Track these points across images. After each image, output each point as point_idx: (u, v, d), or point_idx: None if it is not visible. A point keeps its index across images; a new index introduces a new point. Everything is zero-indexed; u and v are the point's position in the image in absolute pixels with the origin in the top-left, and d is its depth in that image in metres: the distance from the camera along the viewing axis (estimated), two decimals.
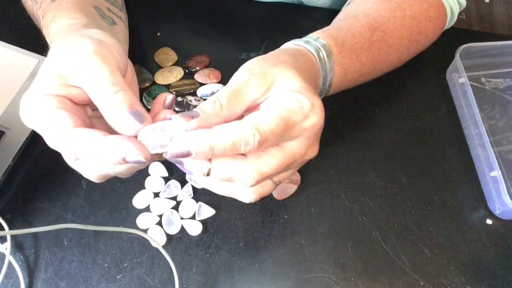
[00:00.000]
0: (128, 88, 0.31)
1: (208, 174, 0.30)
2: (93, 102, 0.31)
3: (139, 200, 0.47)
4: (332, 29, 0.42)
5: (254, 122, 0.29)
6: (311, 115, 0.31)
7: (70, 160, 0.33)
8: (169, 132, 0.30)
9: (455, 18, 0.52)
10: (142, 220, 0.46)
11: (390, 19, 0.45)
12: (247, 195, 0.32)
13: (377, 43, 0.44)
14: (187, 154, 0.29)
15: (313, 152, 0.34)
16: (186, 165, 0.30)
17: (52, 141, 0.31)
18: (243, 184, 0.30)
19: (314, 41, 0.39)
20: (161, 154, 0.31)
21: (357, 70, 0.43)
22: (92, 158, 0.29)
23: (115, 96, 0.30)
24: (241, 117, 0.31)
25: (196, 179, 0.33)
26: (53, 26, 0.38)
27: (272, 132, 0.29)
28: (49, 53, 0.33)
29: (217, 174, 0.30)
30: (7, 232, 0.44)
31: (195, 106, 0.53)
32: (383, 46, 0.44)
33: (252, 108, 0.32)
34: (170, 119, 0.31)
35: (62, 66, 0.31)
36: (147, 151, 0.29)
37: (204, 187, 0.34)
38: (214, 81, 0.55)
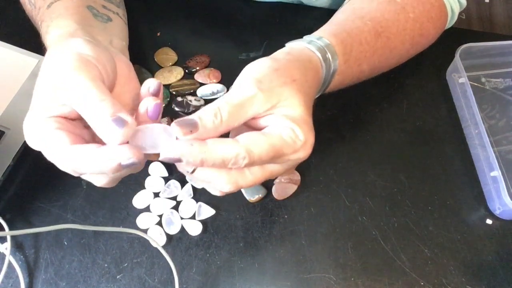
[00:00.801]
0: (109, 96, 0.30)
1: (192, 172, 0.31)
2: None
3: (139, 200, 0.47)
4: (343, 33, 0.41)
5: (248, 146, 0.30)
6: (300, 151, 0.32)
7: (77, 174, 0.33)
8: (162, 135, 0.31)
9: (456, 18, 0.52)
10: (142, 220, 0.46)
11: (394, 23, 0.44)
12: (223, 184, 0.33)
13: (380, 50, 0.44)
14: (178, 160, 0.30)
15: (291, 172, 0.35)
16: (185, 160, 0.30)
17: (56, 161, 0.32)
18: (218, 188, 0.33)
19: (326, 48, 0.38)
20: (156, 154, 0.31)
21: (355, 78, 0.43)
22: (91, 171, 0.30)
23: (96, 108, 0.30)
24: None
25: (179, 168, 0.33)
26: (47, 38, 0.39)
27: (261, 158, 0.30)
28: (41, 69, 0.33)
29: (200, 176, 0.32)
30: (7, 232, 0.44)
31: (195, 106, 0.53)
32: (385, 52, 0.44)
33: (248, 123, 0.33)
34: (153, 106, 0.31)
35: (51, 86, 0.32)
36: (139, 153, 0.29)
37: (183, 173, 0.34)
38: (214, 81, 0.55)
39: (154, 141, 0.31)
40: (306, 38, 0.40)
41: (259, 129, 0.33)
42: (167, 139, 0.31)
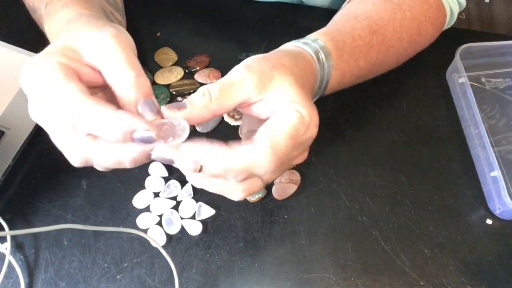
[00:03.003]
0: (145, 75, 0.30)
1: (200, 170, 0.30)
2: (94, 87, 0.31)
3: (139, 200, 0.47)
4: (334, 31, 0.42)
5: (270, 149, 0.30)
6: (311, 126, 0.32)
7: (72, 149, 0.32)
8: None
9: (455, 18, 0.52)
10: (142, 220, 0.46)
11: (390, 21, 0.45)
12: (236, 193, 0.33)
13: (376, 47, 0.44)
14: (171, 162, 0.30)
15: (303, 157, 0.34)
16: (177, 163, 0.30)
17: (56, 112, 0.29)
18: (233, 179, 0.31)
19: (314, 43, 0.39)
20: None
21: (354, 74, 0.43)
22: (100, 130, 0.28)
23: (132, 81, 0.29)
24: (234, 111, 0.32)
25: (186, 174, 0.33)
26: (65, 11, 0.37)
27: (285, 154, 0.30)
28: (65, 31, 0.32)
29: (209, 171, 0.30)
30: (7, 232, 0.44)
31: None
32: (382, 49, 0.44)
33: (244, 106, 0.33)
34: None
35: (79, 42, 0.31)
36: (155, 128, 0.29)
37: (193, 183, 0.34)
38: (214, 81, 0.54)
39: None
40: (294, 41, 0.40)
41: (259, 117, 0.33)
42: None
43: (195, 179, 0.34)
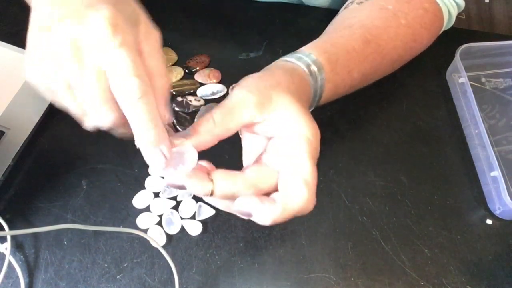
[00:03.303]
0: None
1: (211, 194, 0.31)
2: None
3: (139, 200, 0.47)
4: (326, 44, 0.42)
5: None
6: (318, 145, 0.33)
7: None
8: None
9: (453, 19, 0.52)
10: (142, 220, 0.46)
11: (385, 29, 0.45)
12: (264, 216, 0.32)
13: (371, 56, 0.44)
14: (182, 188, 0.30)
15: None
16: (188, 189, 0.31)
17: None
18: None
19: (307, 58, 0.39)
20: None
21: (348, 85, 0.43)
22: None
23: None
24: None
25: (205, 199, 0.34)
26: None
27: (312, 177, 0.32)
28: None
29: (220, 192, 0.31)
30: (7, 232, 0.44)
31: (195, 106, 0.53)
32: (376, 58, 0.44)
33: (248, 127, 0.33)
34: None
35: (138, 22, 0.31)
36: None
37: (218, 207, 0.34)
38: (214, 81, 0.55)
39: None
40: (287, 56, 0.40)
41: (264, 136, 0.34)
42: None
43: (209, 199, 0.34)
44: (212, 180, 0.30)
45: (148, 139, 0.28)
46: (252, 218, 0.30)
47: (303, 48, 0.41)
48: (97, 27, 0.27)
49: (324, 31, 0.47)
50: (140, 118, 0.28)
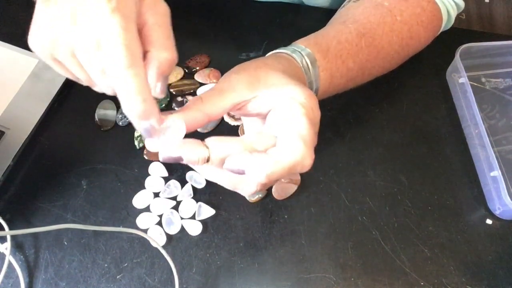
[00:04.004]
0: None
1: (208, 160, 0.30)
2: None
3: (139, 200, 0.47)
4: (318, 36, 0.43)
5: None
6: (315, 106, 0.33)
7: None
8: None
9: (453, 20, 0.52)
10: (142, 220, 0.46)
11: (380, 25, 0.45)
12: (250, 186, 0.33)
13: (366, 49, 0.44)
14: (180, 160, 0.30)
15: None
16: (185, 160, 0.31)
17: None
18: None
19: (297, 49, 0.40)
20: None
21: (344, 75, 0.43)
22: (119, 88, 0.28)
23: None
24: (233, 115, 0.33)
25: (199, 169, 0.34)
26: None
27: (311, 139, 0.31)
28: None
29: (216, 156, 0.30)
30: (7, 232, 0.44)
31: None
32: (372, 51, 0.44)
33: (240, 107, 0.33)
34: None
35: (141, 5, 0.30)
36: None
37: (205, 175, 0.34)
38: (214, 81, 0.55)
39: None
40: (278, 49, 0.41)
41: (259, 115, 0.34)
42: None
43: (206, 171, 0.34)
44: (207, 147, 0.30)
45: (136, 112, 0.28)
46: (246, 175, 0.30)
47: (294, 42, 0.42)
48: None
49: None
50: (126, 90, 0.27)
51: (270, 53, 0.41)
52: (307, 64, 0.39)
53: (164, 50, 0.30)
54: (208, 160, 0.30)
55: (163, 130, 0.30)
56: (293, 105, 0.32)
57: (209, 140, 0.31)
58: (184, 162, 0.31)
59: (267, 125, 0.33)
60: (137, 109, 0.28)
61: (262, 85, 0.33)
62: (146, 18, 0.30)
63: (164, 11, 0.31)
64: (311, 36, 0.43)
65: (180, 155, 0.30)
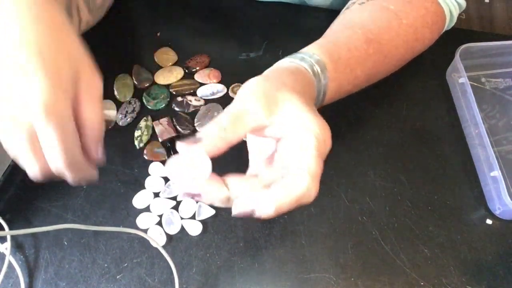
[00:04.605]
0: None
1: (228, 201, 0.31)
2: None
3: (139, 200, 0.47)
4: (328, 44, 0.42)
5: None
6: (327, 140, 0.33)
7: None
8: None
9: (455, 19, 0.52)
10: (142, 220, 0.46)
11: (386, 29, 0.45)
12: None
13: (373, 56, 0.44)
14: (199, 197, 0.31)
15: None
16: (204, 200, 0.32)
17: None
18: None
19: (310, 58, 0.39)
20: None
21: (351, 83, 0.43)
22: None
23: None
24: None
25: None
26: None
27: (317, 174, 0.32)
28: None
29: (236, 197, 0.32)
30: (7, 232, 0.44)
31: (195, 106, 0.53)
32: (379, 57, 0.44)
33: (257, 131, 0.33)
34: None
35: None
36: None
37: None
38: (214, 81, 0.55)
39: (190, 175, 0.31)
40: (287, 57, 0.40)
41: (273, 137, 0.34)
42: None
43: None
44: (227, 185, 0.31)
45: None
46: (256, 212, 0.31)
47: (306, 49, 0.41)
48: (31, 101, 0.30)
49: (326, 32, 0.47)
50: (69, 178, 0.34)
51: (283, 63, 0.39)
52: (319, 75, 0.39)
53: (96, 125, 0.34)
54: (228, 201, 0.31)
55: (189, 166, 0.30)
56: (307, 137, 0.32)
57: (229, 180, 0.31)
58: (202, 201, 0.31)
59: (278, 152, 0.33)
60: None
61: (279, 111, 0.33)
62: (82, 96, 0.33)
63: (96, 86, 0.34)
64: (322, 43, 0.42)
65: (201, 193, 0.31)
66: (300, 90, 0.35)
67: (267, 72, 0.37)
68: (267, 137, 0.34)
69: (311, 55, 0.39)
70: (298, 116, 0.32)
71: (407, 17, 0.46)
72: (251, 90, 0.33)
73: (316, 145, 0.32)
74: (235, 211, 0.31)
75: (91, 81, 0.34)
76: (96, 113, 0.34)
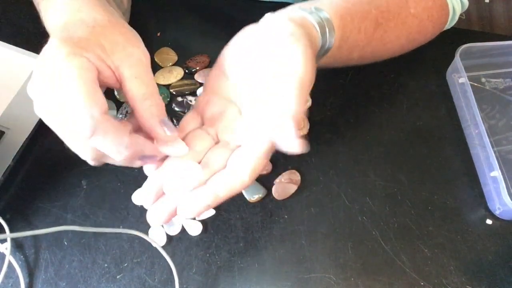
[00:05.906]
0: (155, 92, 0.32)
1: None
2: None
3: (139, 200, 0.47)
4: (348, 17, 0.39)
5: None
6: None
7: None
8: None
9: (456, 18, 0.52)
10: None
11: (395, 15, 0.44)
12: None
13: (374, 42, 0.43)
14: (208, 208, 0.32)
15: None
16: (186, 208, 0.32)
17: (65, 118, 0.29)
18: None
19: (326, 24, 0.36)
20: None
21: (342, 62, 0.44)
22: (111, 149, 0.29)
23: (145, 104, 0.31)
24: None
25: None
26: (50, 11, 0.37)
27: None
28: (84, 23, 0.32)
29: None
30: (8, 235, 0.44)
31: None
32: (379, 44, 0.44)
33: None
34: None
35: (110, 44, 0.31)
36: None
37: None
38: None
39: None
40: (307, 6, 0.38)
41: None
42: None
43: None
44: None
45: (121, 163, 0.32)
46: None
47: (327, 8, 0.38)
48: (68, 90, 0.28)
49: None
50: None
51: (303, 13, 0.37)
52: (326, 38, 0.37)
53: (148, 98, 0.31)
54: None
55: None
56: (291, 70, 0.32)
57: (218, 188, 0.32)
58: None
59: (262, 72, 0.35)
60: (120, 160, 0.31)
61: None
62: (122, 71, 0.31)
63: (139, 59, 0.32)
64: (343, 12, 0.39)
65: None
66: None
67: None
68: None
69: (328, 21, 0.37)
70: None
71: (416, 6, 0.45)
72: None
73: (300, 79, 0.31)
74: (211, 203, 0.32)
75: (131, 54, 0.32)
76: (143, 86, 0.32)
